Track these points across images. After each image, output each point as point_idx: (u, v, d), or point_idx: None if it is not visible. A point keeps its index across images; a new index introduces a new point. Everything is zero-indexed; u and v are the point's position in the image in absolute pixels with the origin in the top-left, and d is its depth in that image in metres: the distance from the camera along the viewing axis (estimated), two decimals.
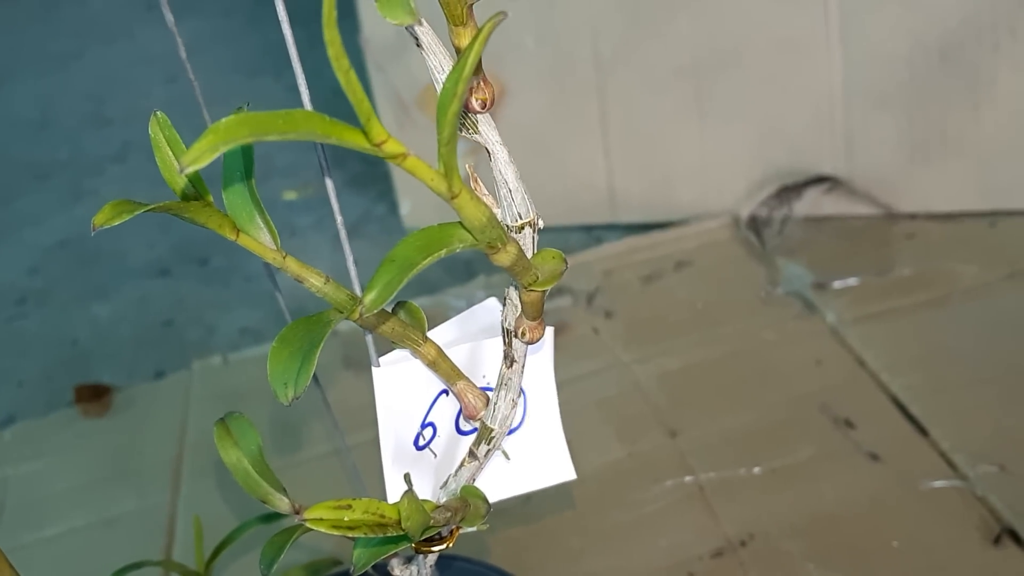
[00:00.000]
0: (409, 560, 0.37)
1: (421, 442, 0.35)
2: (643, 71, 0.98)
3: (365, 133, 0.22)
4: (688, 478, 0.75)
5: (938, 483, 0.69)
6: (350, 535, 0.26)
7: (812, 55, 0.92)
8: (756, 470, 0.74)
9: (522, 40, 1.00)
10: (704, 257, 0.97)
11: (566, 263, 0.28)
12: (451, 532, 0.36)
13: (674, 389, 0.83)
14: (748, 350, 0.85)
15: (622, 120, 1.01)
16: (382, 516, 0.27)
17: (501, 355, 0.36)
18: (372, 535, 0.26)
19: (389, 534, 0.27)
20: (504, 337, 0.33)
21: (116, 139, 1.54)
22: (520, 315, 0.31)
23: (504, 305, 0.33)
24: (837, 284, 0.88)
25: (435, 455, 0.35)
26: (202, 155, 0.20)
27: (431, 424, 0.35)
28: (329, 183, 0.34)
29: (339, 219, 0.35)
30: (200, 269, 1.19)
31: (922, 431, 0.74)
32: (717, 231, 1.00)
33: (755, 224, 0.97)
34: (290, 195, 1.30)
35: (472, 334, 0.36)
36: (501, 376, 0.33)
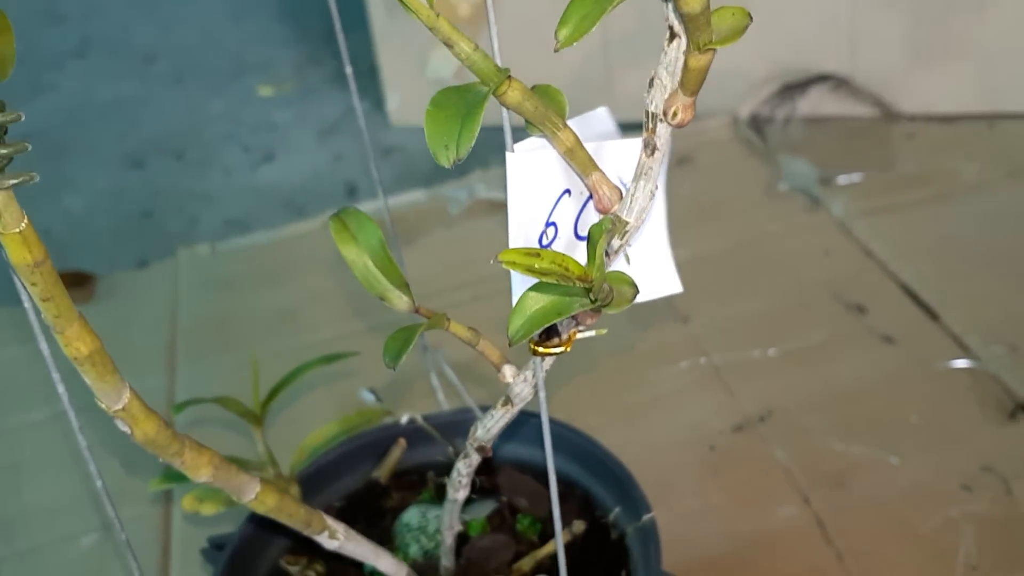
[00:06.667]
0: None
1: (544, 240, 0.34)
2: None
3: None
4: (703, 359, 0.75)
5: (953, 363, 0.71)
6: (542, 279, 0.25)
7: None
8: (771, 352, 0.74)
9: None
10: (705, 155, 0.97)
11: (751, 18, 0.27)
12: (568, 336, 0.35)
13: (684, 278, 0.82)
14: (756, 241, 0.85)
15: (622, 14, 0.99)
16: (567, 269, 0.26)
17: (621, 160, 0.35)
18: (560, 283, 0.25)
19: (575, 285, 0.26)
20: (647, 122, 0.32)
21: (73, 35, 1.48)
22: (675, 92, 0.30)
23: (650, 87, 0.31)
24: (842, 179, 0.89)
25: None
26: None
27: (553, 224, 0.34)
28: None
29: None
30: (176, 162, 1.15)
31: (933, 316, 0.75)
32: (717, 130, 0.99)
33: (756, 123, 0.97)
34: (266, 91, 1.26)
35: (587, 139, 0.35)
36: (640, 166, 0.32)
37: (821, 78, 0.95)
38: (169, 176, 1.13)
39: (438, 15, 0.29)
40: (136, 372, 0.82)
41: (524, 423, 0.51)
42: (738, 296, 0.80)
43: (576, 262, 0.27)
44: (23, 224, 0.29)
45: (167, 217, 1.06)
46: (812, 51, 0.96)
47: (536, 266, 0.25)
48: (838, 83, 0.95)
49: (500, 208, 0.94)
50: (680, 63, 0.29)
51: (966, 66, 0.93)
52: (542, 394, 0.36)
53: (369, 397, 0.75)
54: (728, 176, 0.94)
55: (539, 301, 0.28)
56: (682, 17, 0.27)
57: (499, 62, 0.31)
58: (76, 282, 0.94)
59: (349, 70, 0.43)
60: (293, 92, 1.25)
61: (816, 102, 0.96)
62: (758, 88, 0.98)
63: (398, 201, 0.99)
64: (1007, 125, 0.93)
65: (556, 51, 0.25)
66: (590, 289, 0.27)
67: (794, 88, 0.95)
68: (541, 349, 0.34)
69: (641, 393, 0.73)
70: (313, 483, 0.51)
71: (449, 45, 0.29)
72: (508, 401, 0.37)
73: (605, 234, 0.27)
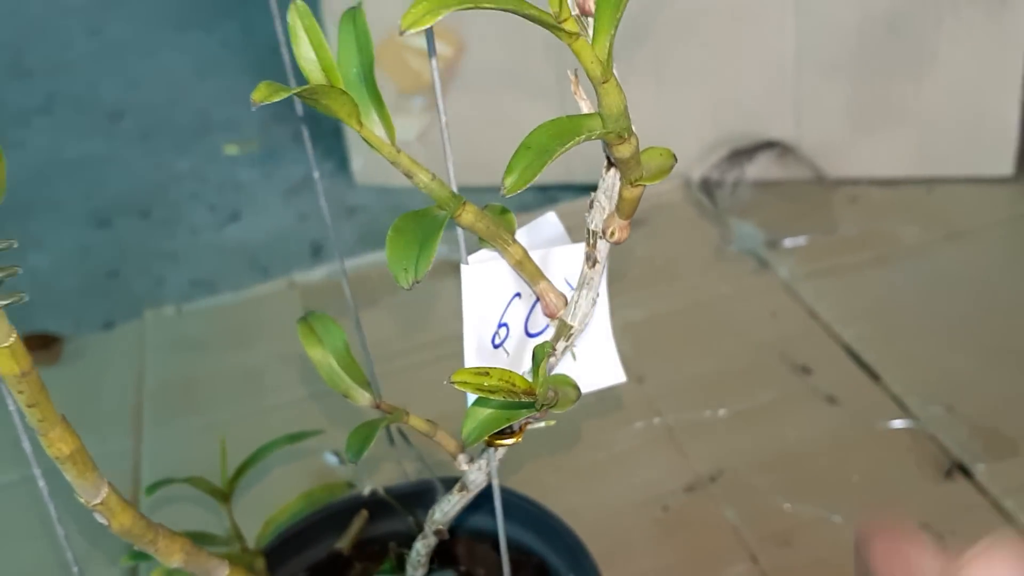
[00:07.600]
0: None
1: (497, 340, 0.37)
2: None
3: (554, 12, 0.23)
4: (656, 420, 0.78)
5: (893, 423, 0.74)
6: (490, 396, 0.28)
7: (767, 24, 0.96)
8: (721, 412, 0.77)
9: None
10: (659, 217, 1.01)
11: (675, 159, 0.30)
12: (520, 428, 0.37)
13: (639, 339, 0.86)
14: (707, 303, 0.89)
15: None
16: (513, 385, 0.29)
17: (567, 263, 0.38)
18: (507, 399, 0.28)
19: (521, 400, 0.29)
20: (588, 238, 0.35)
21: (39, 91, 1.49)
22: (612, 215, 0.33)
23: (591, 208, 0.34)
24: (788, 242, 0.93)
25: (507, 354, 0.37)
26: (422, 18, 0.21)
27: (505, 324, 0.37)
28: None
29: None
30: (142, 221, 1.17)
31: (874, 376, 0.79)
32: (670, 193, 1.03)
33: (707, 186, 1.01)
34: (231, 149, 1.28)
35: (536, 245, 0.38)
36: (583, 276, 0.35)
37: (768, 144, 1.00)
38: (135, 235, 1.15)
39: (399, 151, 0.32)
40: (102, 435, 0.85)
41: (483, 495, 0.54)
42: (691, 357, 0.83)
43: (522, 378, 0.29)
44: (12, 339, 0.31)
45: (133, 277, 1.07)
46: (759, 118, 1.00)
47: (485, 384, 0.28)
48: (784, 149, 0.99)
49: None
50: (616, 188, 0.32)
51: (906, 132, 0.97)
52: (495, 482, 0.38)
53: (333, 460, 0.77)
54: (680, 238, 0.98)
55: (490, 407, 0.31)
56: (614, 159, 0.30)
57: (454, 188, 0.33)
58: (43, 344, 0.95)
59: (316, 174, 0.46)
60: (259, 151, 1.27)
61: (763, 167, 1.00)
62: (709, 153, 1.02)
63: (362, 261, 1.01)
64: (944, 189, 0.98)
65: (504, 196, 0.28)
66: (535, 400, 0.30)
67: (742, 153, 0.99)
68: (495, 440, 0.37)
69: (597, 453, 0.76)
70: (278, 555, 0.53)
71: (409, 176, 0.32)
72: (464, 487, 0.39)
73: (547, 356, 0.30)
